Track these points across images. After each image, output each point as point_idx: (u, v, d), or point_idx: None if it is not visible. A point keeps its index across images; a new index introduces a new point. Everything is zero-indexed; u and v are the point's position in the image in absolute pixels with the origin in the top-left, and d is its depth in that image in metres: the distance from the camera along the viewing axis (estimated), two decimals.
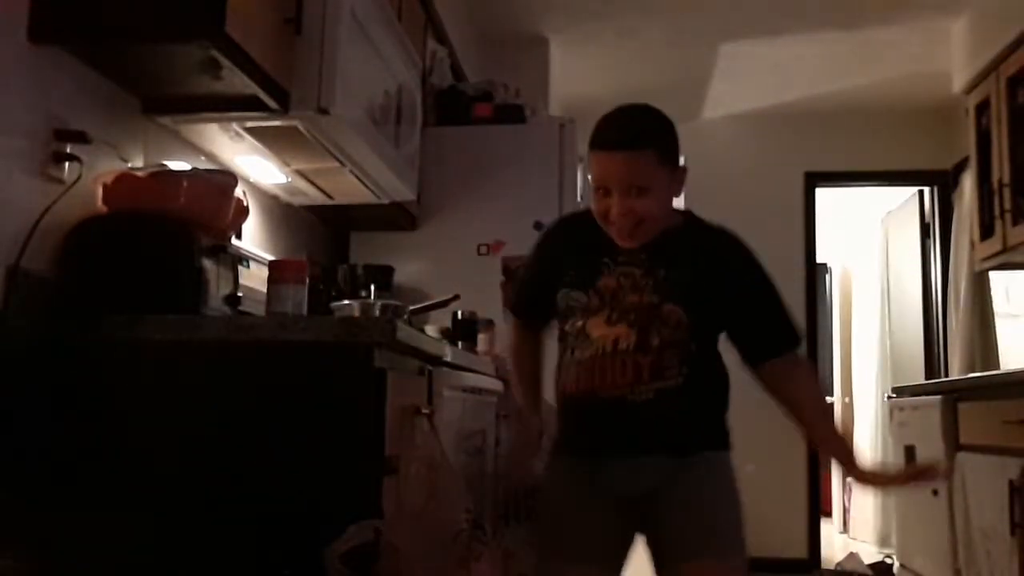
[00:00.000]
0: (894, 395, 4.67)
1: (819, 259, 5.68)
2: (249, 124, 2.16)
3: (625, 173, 1.67)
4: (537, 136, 3.44)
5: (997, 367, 4.59)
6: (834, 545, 5.91)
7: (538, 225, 3.30)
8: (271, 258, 2.22)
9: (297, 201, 2.90)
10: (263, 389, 1.59)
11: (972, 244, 4.45)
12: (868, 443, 6.16)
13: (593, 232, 1.76)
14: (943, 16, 4.27)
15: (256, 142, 2.28)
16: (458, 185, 3.40)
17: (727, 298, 1.74)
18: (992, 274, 4.64)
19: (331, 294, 2.87)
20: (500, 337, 2.94)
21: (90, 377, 1.62)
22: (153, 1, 1.74)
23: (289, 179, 2.62)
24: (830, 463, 1.88)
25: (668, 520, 1.73)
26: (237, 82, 1.89)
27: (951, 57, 4.45)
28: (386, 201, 2.94)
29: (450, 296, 2.79)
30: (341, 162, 2.49)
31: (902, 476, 1.87)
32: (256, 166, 2.49)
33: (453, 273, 3.25)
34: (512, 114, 3.50)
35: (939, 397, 3.77)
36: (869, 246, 6.49)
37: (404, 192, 2.94)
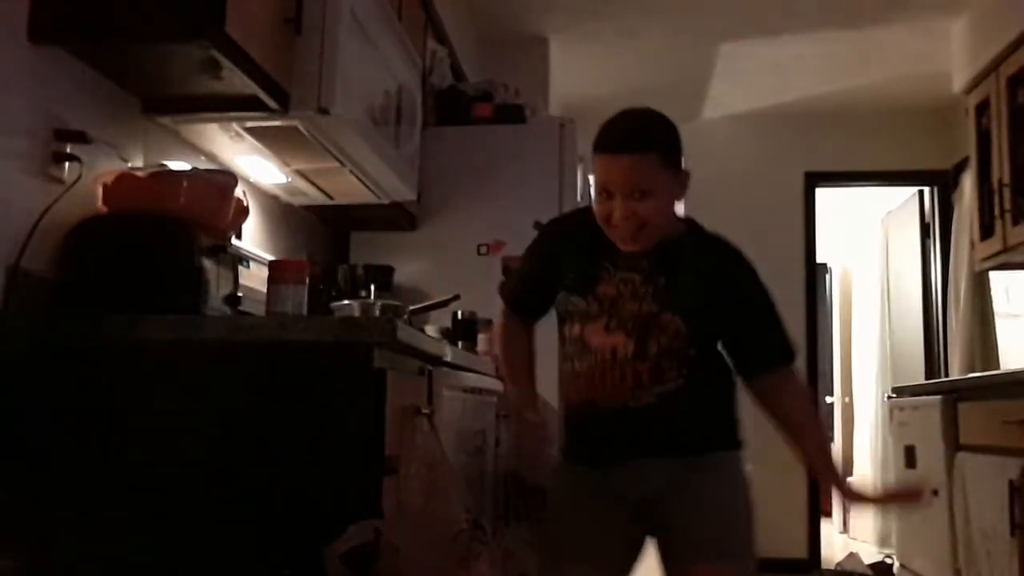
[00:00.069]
0: (894, 395, 4.67)
1: (819, 259, 5.68)
2: (249, 124, 2.16)
3: (628, 176, 1.67)
4: (537, 136, 3.44)
5: (997, 367, 4.58)
6: (834, 545, 5.90)
7: (538, 225, 3.29)
8: (271, 258, 2.23)
9: (297, 201, 2.90)
10: (263, 389, 1.59)
11: (972, 244, 4.45)
12: (868, 443, 6.16)
13: (594, 234, 1.75)
14: (943, 16, 4.27)
15: (256, 142, 2.28)
16: (458, 185, 3.40)
17: (725, 309, 1.74)
18: (992, 274, 4.64)
19: (331, 294, 2.87)
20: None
21: (90, 377, 1.62)
22: (153, 1, 1.74)
23: (289, 179, 2.62)
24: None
25: (677, 522, 1.73)
26: (237, 82, 1.89)
27: (951, 57, 4.45)
28: (386, 201, 2.94)
29: (450, 296, 2.79)
30: (341, 162, 2.49)
31: (887, 496, 1.86)
32: (256, 166, 2.49)
33: (453, 273, 3.25)
34: (512, 114, 3.50)
35: (939, 397, 3.77)
36: (869, 246, 6.49)
37: (404, 192, 2.94)
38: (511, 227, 3.30)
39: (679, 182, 1.74)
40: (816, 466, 1.79)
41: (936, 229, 5.38)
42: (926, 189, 5.46)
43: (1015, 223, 3.78)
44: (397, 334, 1.58)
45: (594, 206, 1.73)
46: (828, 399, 7.10)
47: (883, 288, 6.14)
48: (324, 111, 2.11)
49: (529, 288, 1.92)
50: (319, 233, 3.24)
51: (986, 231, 4.11)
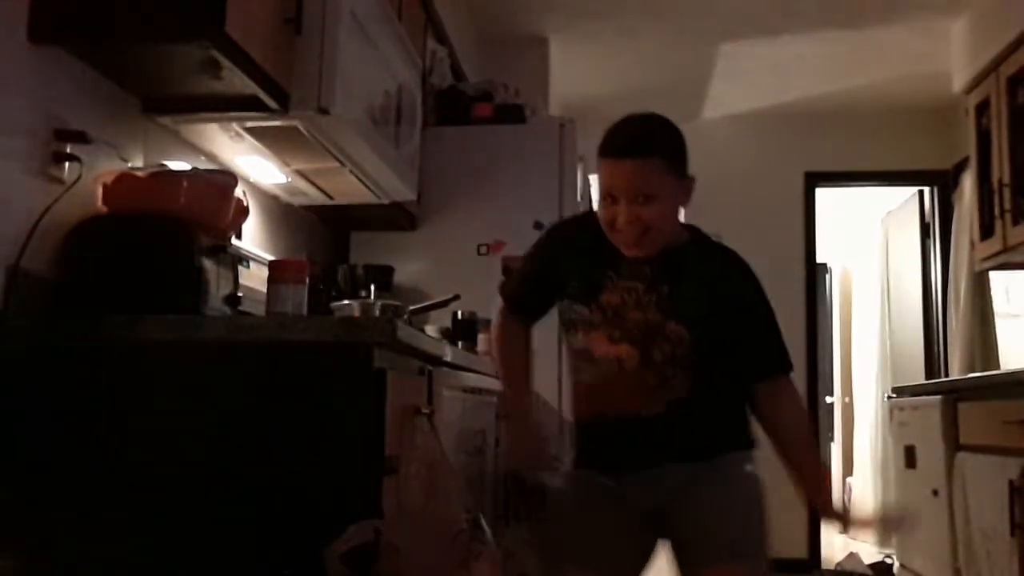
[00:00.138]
0: (894, 395, 4.67)
1: (819, 259, 5.68)
2: (249, 124, 2.16)
3: (632, 180, 1.67)
4: (537, 136, 3.44)
5: (997, 367, 4.58)
6: (834, 545, 5.90)
7: (538, 225, 3.29)
8: (271, 258, 2.23)
9: (297, 201, 2.90)
10: (263, 389, 1.59)
11: (972, 244, 4.45)
12: (868, 443, 6.16)
13: (597, 239, 1.75)
14: (943, 16, 4.27)
15: (256, 142, 2.28)
16: (458, 185, 3.40)
17: (726, 318, 1.74)
18: (992, 274, 4.64)
19: (331, 294, 2.87)
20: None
21: (90, 377, 1.62)
22: (153, 1, 1.74)
23: (289, 179, 2.62)
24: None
25: (690, 524, 1.73)
26: (237, 82, 1.89)
27: (951, 57, 4.45)
28: (386, 201, 2.94)
29: (450, 296, 2.79)
30: (341, 162, 2.49)
31: (868, 521, 1.88)
32: (256, 166, 2.49)
33: (453, 273, 3.25)
34: (512, 114, 3.50)
35: (939, 397, 3.77)
36: (869, 246, 6.49)
37: (404, 192, 2.94)
38: (511, 227, 3.30)
39: (683, 188, 1.73)
40: (801, 479, 1.77)
41: (936, 229, 5.38)
42: (926, 189, 5.46)
43: (1015, 223, 3.78)
44: (397, 334, 1.58)
45: (598, 210, 1.73)
46: (828, 399, 7.09)
47: (883, 288, 6.14)
48: (324, 111, 2.11)
49: (530, 289, 1.92)
50: (319, 233, 3.24)
51: (986, 231, 4.11)
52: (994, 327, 4.74)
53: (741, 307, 1.76)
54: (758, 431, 1.80)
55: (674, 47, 4.67)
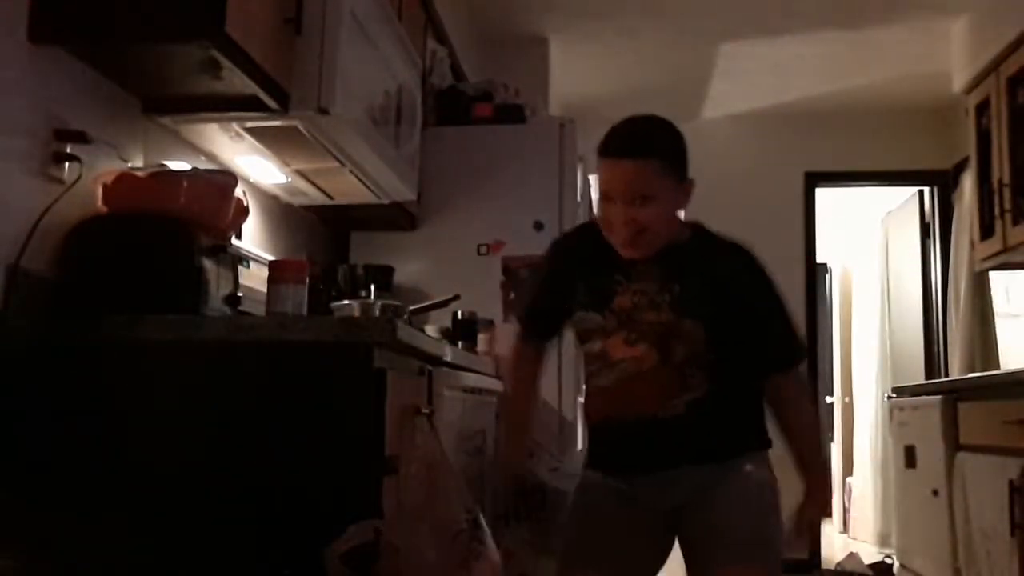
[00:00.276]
0: (894, 395, 4.67)
1: (819, 259, 5.68)
2: (249, 124, 2.16)
3: (629, 181, 1.67)
4: (537, 136, 3.44)
5: (997, 367, 4.58)
6: (834, 545, 5.90)
7: (538, 225, 3.30)
8: (271, 258, 2.23)
9: (297, 201, 2.90)
10: (263, 389, 1.59)
11: (972, 244, 4.45)
12: (868, 443, 6.16)
13: (600, 246, 1.76)
14: (943, 16, 4.27)
15: (256, 142, 2.28)
16: (458, 185, 3.39)
17: (738, 311, 1.74)
18: (992, 274, 4.64)
19: (331, 294, 2.87)
20: (500, 337, 2.94)
21: (90, 377, 1.62)
22: (153, 1, 1.74)
23: (289, 179, 2.62)
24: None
25: (705, 524, 1.74)
26: (237, 82, 1.89)
27: (951, 57, 4.45)
28: (386, 201, 2.94)
29: (450, 296, 2.79)
30: (341, 162, 2.48)
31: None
32: (256, 166, 2.49)
33: (453, 273, 3.25)
34: (512, 114, 3.49)
35: (939, 397, 3.77)
36: (869, 246, 6.49)
37: (404, 192, 2.94)
38: (511, 227, 3.30)
39: (682, 191, 1.74)
40: (801, 474, 1.80)
41: (936, 229, 5.38)
42: (926, 189, 5.46)
43: (1015, 223, 3.78)
44: (397, 334, 1.58)
45: (596, 211, 1.73)
46: (828, 399, 7.09)
47: (883, 288, 6.13)
48: (324, 111, 2.11)
49: (541, 306, 1.94)
50: (319, 233, 3.24)
51: (986, 231, 4.11)
52: (994, 327, 4.74)
53: (750, 299, 1.76)
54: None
55: (674, 47, 4.67)
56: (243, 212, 2.00)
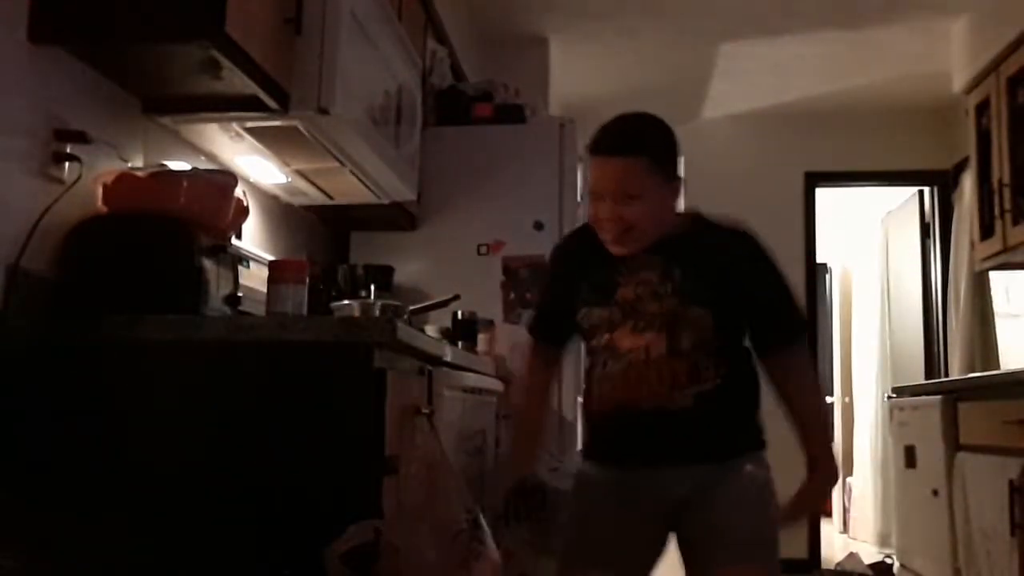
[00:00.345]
0: (894, 395, 4.67)
1: (819, 259, 5.68)
2: (249, 124, 2.16)
3: (616, 179, 1.68)
4: (537, 136, 3.44)
5: (997, 367, 4.58)
6: (834, 545, 5.91)
7: (538, 225, 3.30)
8: (271, 258, 2.23)
9: (297, 201, 2.90)
10: (263, 389, 1.59)
11: (972, 244, 4.45)
12: (868, 443, 6.16)
13: (597, 246, 1.77)
14: (943, 16, 4.27)
15: (256, 142, 2.28)
16: (458, 185, 3.40)
17: (741, 292, 1.74)
18: (992, 274, 4.64)
19: (331, 294, 2.87)
20: (500, 337, 2.95)
21: (90, 377, 1.62)
22: (153, 1, 1.74)
23: (289, 179, 2.62)
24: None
25: (706, 523, 1.73)
26: (237, 82, 1.89)
27: (951, 57, 4.45)
28: (386, 201, 2.94)
29: (450, 296, 2.79)
30: (341, 162, 2.49)
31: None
32: (256, 166, 2.49)
33: (453, 273, 3.25)
34: (512, 114, 3.49)
35: (939, 397, 3.77)
36: (869, 246, 6.49)
37: (404, 192, 2.94)
38: (511, 227, 3.30)
39: (671, 189, 1.74)
40: (810, 448, 1.79)
41: (936, 229, 5.38)
42: (926, 189, 5.46)
43: (1015, 223, 3.78)
44: (397, 334, 1.58)
45: (588, 208, 1.74)
46: (828, 399, 7.09)
47: (883, 288, 6.13)
48: (324, 111, 2.11)
49: (549, 310, 1.95)
50: (319, 233, 3.24)
51: (986, 231, 4.11)
52: (994, 327, 4.74)
53: (752, 279, 1.76)
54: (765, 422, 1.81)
55: (674, 47, 4.67)
56: (243, 212, 2.00)
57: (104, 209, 1.80)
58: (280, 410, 1.58)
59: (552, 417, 1.93)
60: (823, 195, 5.67)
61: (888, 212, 6.11)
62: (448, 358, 2.02)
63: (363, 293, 2.94)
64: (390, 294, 3.01)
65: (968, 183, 4.55)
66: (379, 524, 1.48)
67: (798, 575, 4.93)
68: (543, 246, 3.17)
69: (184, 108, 2.09)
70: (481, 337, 2.87)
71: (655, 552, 1.81)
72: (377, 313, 2.38)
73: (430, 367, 1.89)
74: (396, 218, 3.22)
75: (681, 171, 1.77)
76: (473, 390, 2.29)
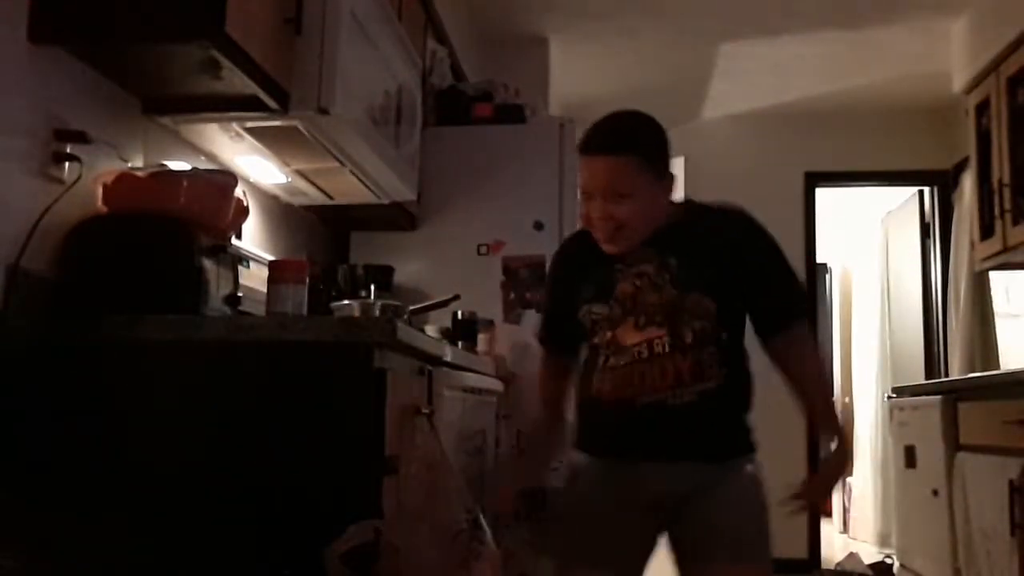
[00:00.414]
0: (894, 395, 4.67)
1: (819, 259, 5.68)
2: (249, 124, 2.16)
3: (606, 178, 1.68)
4: (537, 136, 3.44)
5: (997, 367, 4.58)
6: (834, 545, 5.91)
7: (538, 225, 3.30)
8: (271, 258, 2.23)
9: (297, 201, 2.90)
10: (263, 389, 1.59)
11: (972, 244, 4.45)
12: (868, 443, 6.16)
13: (595, 247, 1.77)
14: (943, 16, 4.27)
15: (256, 142, 2.28)
16: (458, 185, 3.40)
17: (740, 276, 1.74)
18: (992, 274, 4.64)
19: (331, 294, 2.87)
20: (500, 337, 2.94)
21: (90, 377, 1.62)
22: (153, 1, 1.74)
23: (289, 179, 2.62)
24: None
25: (701, 522, 1.74)
26: (237, 82, 1.89)
27: (951, 57, 4.45)
28: (386, 201, 2.94)
29: (450, 296, 2.79)
30: (341, 162, 2.49)
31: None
32: (256, 166, 2.49)
33: (453, 273, 3.25)
34: (512, 114, 3.50)
35: (939, 397, 3.77)
36: (869, 246, 6.49)
37: (404, 192, 2.94)
38: (511, 227, 3.30)
39: (662, 187, 1.73)
40: (820, 428, 1.80)
41: (936, 229, 5.38)
42: (926, 189, 5.46)
43: (1015, 223, 3.78)
44: (397, 334, 1.58)
45: (579, 208, 1.75)
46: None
47: (883, 288, 6.13)
48: (324, 111, 2.11)
49: (555, 314, 1.95)
50: (319, 233, 3.24)
51: (986, 231, 4.11)
52: (994, 327, 4.74)
53: (750, 260, 1.76)
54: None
55: (674, 47, 4.67)
56: (243, 212, 2.00)
57: (104, 209, 1.80)
58: (280, 410, 1.58)
59: (566, 428, 1.93)
60: (823, 195, 5.67)
61: (888, 212, 6.11)
62: (448, 358, 2.02)
63: (363, 293, 2.94)
64: (390, 294, 3.01)
65: (968, 183, 4.55)
66: (379, 524, 1.48)
67: (798, 575, 4.93)
68: (543, 246, 3.17)
69: (184, 108, 2.09)
70: (481, 337, 2.87)
71: (650, 550, 1.81)
72: (377, 313, 2.38)
73: (430, 367, 1.89)
74: (396, 218, 3.22)
75: (674, 169, 1.78)
76: (473, 390, 2.29)
